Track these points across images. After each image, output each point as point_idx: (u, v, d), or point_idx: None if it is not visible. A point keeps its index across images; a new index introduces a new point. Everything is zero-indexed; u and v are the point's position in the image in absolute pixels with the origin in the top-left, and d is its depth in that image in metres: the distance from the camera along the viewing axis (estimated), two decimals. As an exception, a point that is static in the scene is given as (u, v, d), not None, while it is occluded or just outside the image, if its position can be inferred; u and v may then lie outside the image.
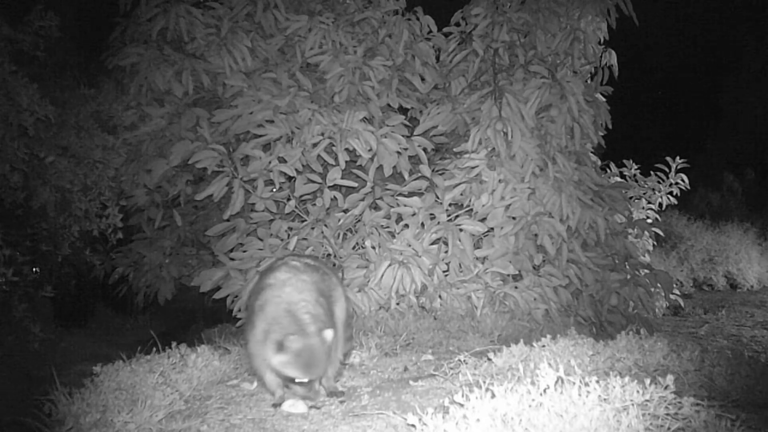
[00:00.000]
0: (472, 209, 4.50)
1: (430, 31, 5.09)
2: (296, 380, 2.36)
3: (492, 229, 4.45)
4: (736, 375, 2.39)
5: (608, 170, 7.34)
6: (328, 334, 2.39)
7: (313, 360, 2.34)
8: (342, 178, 4.47)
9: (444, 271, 4.38)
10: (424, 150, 4.82)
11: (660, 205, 7.75)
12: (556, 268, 4.42)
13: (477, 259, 4.42)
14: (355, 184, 4.58)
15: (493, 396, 1.82)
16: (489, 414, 1.77)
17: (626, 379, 1.83)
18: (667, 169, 7.65)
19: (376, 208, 4.67)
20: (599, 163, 6.02)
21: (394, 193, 4.61)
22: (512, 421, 1.75)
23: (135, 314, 9.51)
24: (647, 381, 1.82)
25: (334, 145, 4.43)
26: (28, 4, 5.46)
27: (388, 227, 4.52)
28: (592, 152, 5.42)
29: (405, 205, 4.49)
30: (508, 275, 4.42)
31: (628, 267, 4.87)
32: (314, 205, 4.57)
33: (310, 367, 2.34)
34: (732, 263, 10.43)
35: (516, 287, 4.33)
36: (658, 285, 4.94)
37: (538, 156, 4.46)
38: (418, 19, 5.02)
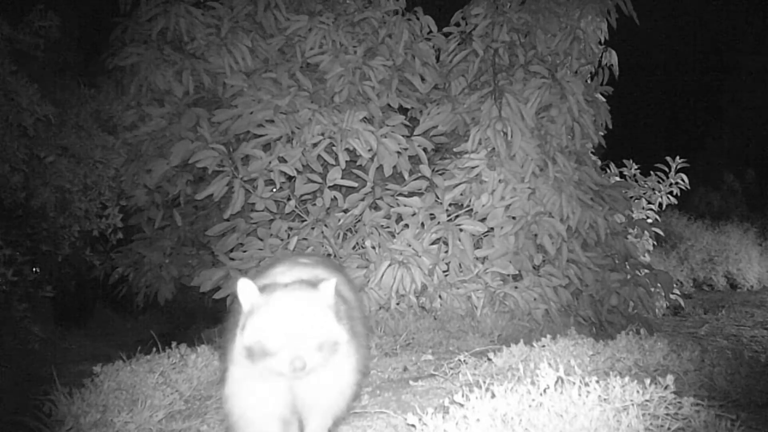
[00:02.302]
0: (472, 209, 4.50)
1: (430, 31, 5.08)
2: (284, 361, 1.52)
3: (492, 229, 4.45)
4: (736, 375, 2.39)
5: (608, 170, 7.33)
6: (327, 284, 1.67)
7: (298, 317, 1.57)
8: (342, 178, 4.46)
9: (444, 271, 4.38)
10: (424, 150, 4.82)
11: (660, 205, 7.74)
12: (556, 268, 4.42)
13: (477, 259, 4.42)
14: (355, 184, 4.57)
15: (493, 396, 1.82)
16: (489, 414, 1.77)
17: (626, 379, 1.83)
18: (667, 169, 7.64)
19: (376, 208, 4.66)
20: (599, 163, 6.02)
21: (394, 193, 4.61)
22: (512, 421, 1.75)
23: (135, 314, 9.50)
24: (647, 381, 1.82)
25: (334, 145, 4.43)
26: (28, 4, 5.46)
27: (388, 227, 4.52)
28: (592, 152, 5.42)
29: (405, 205, 4.49)
30: (508, 275, 4.41)
31: (628, 267, 4.87)
32: (314, 205, 4.56)
33: (294, 326, 1.55)
34: (732, 263, 10.42)
35: (516, 287, 4.33)
36: (658, 285, 4.94)
37: (538, 156, 4.46)
38: (418, 19, 5.01)
